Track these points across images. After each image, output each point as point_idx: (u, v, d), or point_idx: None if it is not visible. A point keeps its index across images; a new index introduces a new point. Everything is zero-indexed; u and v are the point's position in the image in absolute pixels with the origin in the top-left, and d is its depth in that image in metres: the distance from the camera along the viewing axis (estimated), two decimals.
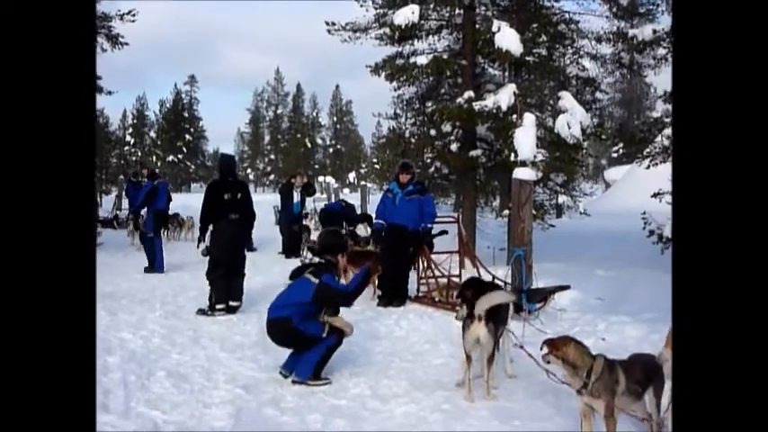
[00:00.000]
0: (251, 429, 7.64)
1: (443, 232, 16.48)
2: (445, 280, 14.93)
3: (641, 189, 26.19)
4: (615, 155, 56.57)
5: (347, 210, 23.64)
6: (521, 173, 14.83)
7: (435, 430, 7.63)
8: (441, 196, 24.90)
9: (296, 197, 24.14)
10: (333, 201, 31.67)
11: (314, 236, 22.36)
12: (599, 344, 10.73)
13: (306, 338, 9.26)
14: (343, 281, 11.26)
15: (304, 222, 23.61)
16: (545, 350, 6.61)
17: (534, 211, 19.37)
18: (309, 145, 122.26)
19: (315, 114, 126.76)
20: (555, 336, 7.08)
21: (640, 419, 6.89)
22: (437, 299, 14.59)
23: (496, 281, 14.05)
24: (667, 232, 21.58)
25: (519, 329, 11.59)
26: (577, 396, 6.56)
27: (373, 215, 15.87)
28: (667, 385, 6.75)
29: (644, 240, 21.97)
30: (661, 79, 24.15)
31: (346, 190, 72.66)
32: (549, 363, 6.66)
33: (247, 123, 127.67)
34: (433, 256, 15.55)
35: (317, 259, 9.95)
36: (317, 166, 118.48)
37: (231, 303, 13.66)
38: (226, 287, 13.64)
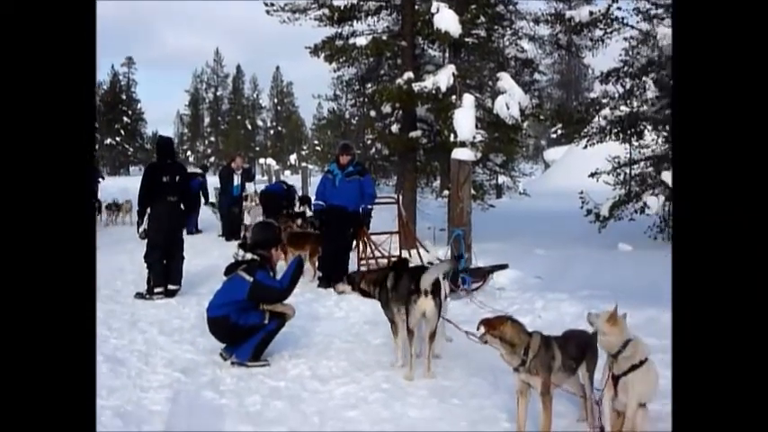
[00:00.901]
0: (189, 413, 7.61)
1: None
2: (385, 261, 14.97)
3: (580, 169, 26.48)
4: (554, 135, 57.09)
5: (288, 192, 23.54)
6: (459, 153, 14.91)
7: (375, 410, 7.66)
8: (381, 177, 24.94)
9: (236, 180, 23.99)
10: (274, 182, 31.47)
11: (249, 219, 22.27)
12: (536, 322, 10.87)
13: (247, 330, 9.24)
14: (282, 262, 11.28)
15: (244, 204, 23.41)
16: (482, 329, 6.67)
17: (474, 192, 19.52)
18: (250, 127, 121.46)
19: (255, 96, 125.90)
20: (492, 314, 7.15)
21: (580, 396, 7.00)
22: None
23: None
24: (604, 211, 21.88)
25: (458, 308, 11.74)
26: (514, 373, 6.64)
27: (313, 197, 15.85)
28: (601, 360, 6.86)
29: (582, 219, 22.27)
30: (598, 60, 24.40)
31: (287, 172, 72.26)
32: (486, 342, 6.72)
33: (187, 105, 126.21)
34: (373, 237, 15.58)
35: (249, 255, 9.87)
36: (257, 148, 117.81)
37: (170, 287, 13.56)
38: (164, 270, 13.53)
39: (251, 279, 9.28)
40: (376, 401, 7.89)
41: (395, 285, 9.25)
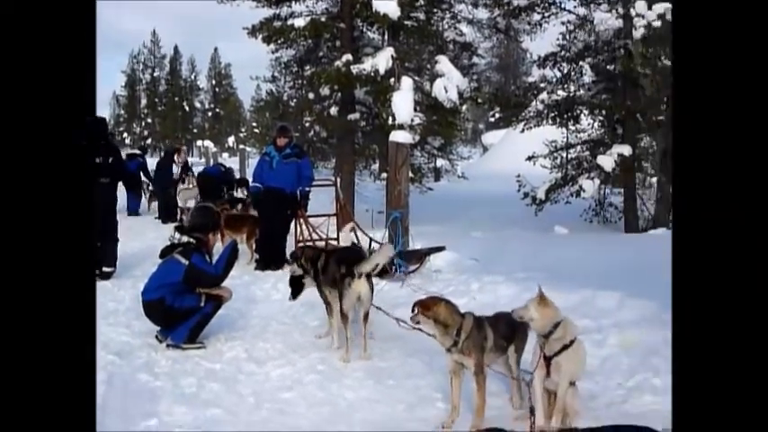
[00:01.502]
0: (124, 395, 7.55)
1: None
2: (323, 243, 14.96)
3: (517, 153, 26.74)
4: (492, 119, 57.38)
5: (226, 174, 23.35)
6: (398, 136, 14.93)
7: (311, 391, 7.68)
8: (320, 160, 24.89)
9: (174, 170, 23.73)
10: (211, 164, 31.19)
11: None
12: (471, 303, 10.95)
13: (183, 313, 9.17)
14: (219, 244, 11.19)
15: (180, 186, 23.12)
16: (415, 311, 6.71)
17: (412, 175, 19.58)
18: (187, 108, 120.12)
19: (193, 77, 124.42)
20: (426, 296, 7.20)
21: (511, 378, 7.08)
22: None
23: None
24: (540, 194, 22.13)
25: (394, 291, 11.80)
26: (447, 354, 6.69)
27: (251, 179, 15.76)
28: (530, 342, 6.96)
29: (518, 202, 22.48)
30: (536, 44, 24.73)
31: (225, 154, 71.78)
32: (419, 323, 6.76)
33: (123, 86, 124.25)
34: (311, 220, 15.55)
35: (185, 238, 9.80)
36: (195, 130, 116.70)
37: (104, 269, 13.40)
38: (98, 253, 13.36)
39: (186, 262, 9.21)
40: (312, 383, 7.91)
41: (325, 267, 9.31)
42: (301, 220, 15.30)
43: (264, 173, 14.63)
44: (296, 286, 9.99)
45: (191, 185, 22.80)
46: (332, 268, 9.23)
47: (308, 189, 14.83)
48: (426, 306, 6.65)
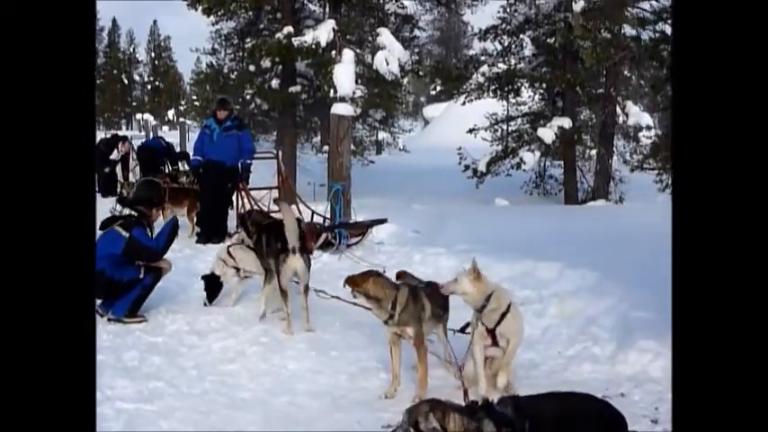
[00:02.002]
0: None
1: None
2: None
3: (458, 125, 26.85)
4: (433, 92, 57.31)
5: (167, 148, 23.02)
6: (339, 108, 14.91)
7: (254, 363, 7.67)
8: (261, 133, 24.73)
9: (115, 154, 23.23)
10: (152, 138, 30.71)
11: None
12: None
13: (123, 285, 9.06)
14: (161, 218, 11.10)
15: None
16: (348, 288, 6.72)
17: (353, 147, 19.58)
18: (126, 81, 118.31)
19: (132, 50, 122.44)
20: (370, 267, 7.22)
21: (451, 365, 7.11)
22: None
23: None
24: (481, 167, 22.26)
25: (335, 263, 11.84)
26: (384, 326, 6.73)
27: (191, 153, 15.60)
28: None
29: (460, 175, 22.59)
30: (477, 17, 24.77)
31: (165, 127, 70.99)
32: (356, 297, 6.79)
33: None
34: (252, 193, 15.45)
35: (127, 211, 9.69)
36: (134, 103, 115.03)
37: None
38: None
39: (126, 235, 9.10)
40: (255, 355, 7.91)
41: (269, 239, 9.30)
42: (243, 193, 15.19)
43: (205, 146, 14.47)
44: (213, 288, 9.86)
45: (131, 159, 22.49)
46: (275, 240, 9.21)
47: (249, 162, 14.72)
48: (356, 282, 6.65)
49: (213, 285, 9.80)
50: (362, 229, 13.87)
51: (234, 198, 15.16)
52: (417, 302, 6.70)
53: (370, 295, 6.61)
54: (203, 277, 9.90)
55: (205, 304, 9.73)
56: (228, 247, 10.12)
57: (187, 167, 19.42)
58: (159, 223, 10.04)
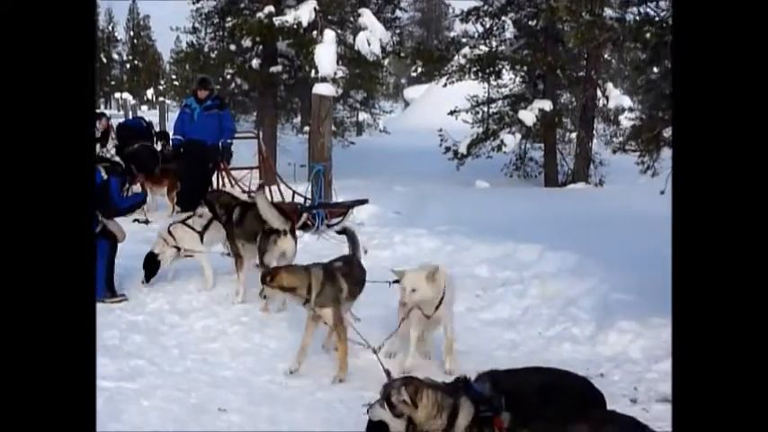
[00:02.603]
0: None
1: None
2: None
3: (439, 107, 26.83)
4: (414, 74, 57.28)
5: (147, 128, 22.84)
6: (320, 88, 14.88)
7: (235, 341, 7.68)
8: (241, 113, 24.62)
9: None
10: (131, 117, 30.46)
11: None
12: (395, 255, 11.07)
13: None
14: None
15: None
16: (261, 287, 6.71)
17: (334, 128, 19.54)
18: (105, 60, 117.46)
19: (110, 29, 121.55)
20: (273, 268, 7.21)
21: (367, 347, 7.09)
22: None
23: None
24: (462, 149, 22.28)
25: (312, 243, 11.85)
26: (304, 306, 6.76)
27: (171, 132, 15.52)
28: None
29: (440, 157, 22.61)
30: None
31: (144, 107, 70.55)
32: (266, 298, 6.77)
33: None
34: (233, 173, 15.41)
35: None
36: (113, 83, 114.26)
37: None
38: None
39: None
40: (236, 334, 7.92)
41: (241, 219, 9.28)
42: (223, 173, 15.14)
43: (185, 125, 14.40)
44: (151, 267, 9.72)
45: (110, 137, 22.29)
46: (251, 222, 9.19)
47: (229, 141, 14.67)
48: (270, 277, 6.63)
49: (151, 264, 9.69)
50: (343, 209, 13.85)
51: (214, 178, 15.09)
52: (334, 284, 6.73)
53: (286, 287, 6.60)
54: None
55: (142, 282, 9.59)
56: (169, 226, 10.00)
57: (165, 147, 19.32)
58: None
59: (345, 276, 6.87)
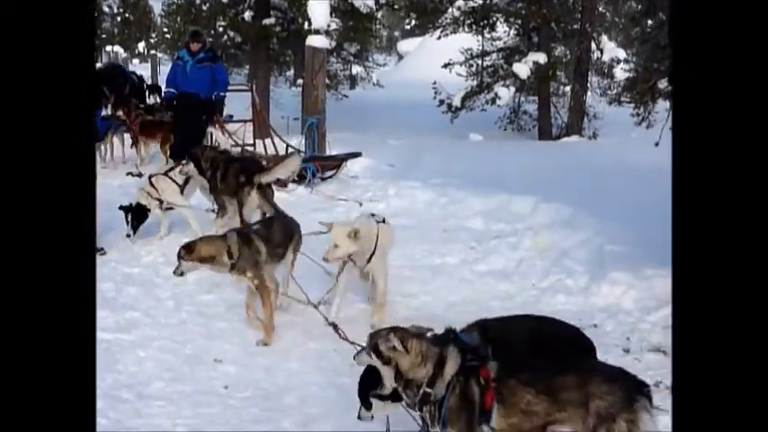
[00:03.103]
0: None
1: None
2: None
3: (433, 60, 26.69)
4: (408, 27, 56.92)
5: (139, 81, 22.71)
6: (314, 40, 14.79)
7: (230, 294, 7.69)
8: (233, 66, 24.50)
9: None
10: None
11: None
12: (389, 208, 11.08)
13: None
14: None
15: None
16: (178, 263, 6.61)
17: (328, 81, 19.44)
18: (95, 13, 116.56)
19: None
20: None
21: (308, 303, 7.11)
22: None
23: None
24: (456, 102, 22.20)
25: (305, 196, 11.88)
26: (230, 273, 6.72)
27: (163, 86, 15.40)
28: None
29: (434, 110, 22.54)
30: None
31: (136, 60, 70.00)
32: (182, 275, 6.69)
33: None
34: (227, 126, 15.34)
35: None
36: (104, 36, 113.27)
37: None
38: None
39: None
40: (230, 286, 7.91)
41: (225, 174, 9.33)
42: (217, 126, 15.06)
43: (178, 78, 14.23)
44: (139, 217, 9.66)
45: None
46: (234, 178, 9.26)
47: (222, 94, 14.57)
48: (188, 250, 6.52)
49: (139, 215, 9.63)
50: (337, 162, 13.84)
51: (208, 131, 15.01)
52: (251, 247, 6.68)
53: (204, 256, 6.51)
54: (122, 207, 9.59)
55: (128, 236, 9.54)
56: (150, 177, 9.96)
57: (158, 101, 19.24)
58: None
59: (264, 239, 6.83)
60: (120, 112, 15.95)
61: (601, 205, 10.38)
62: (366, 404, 4.35)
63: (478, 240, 9.71)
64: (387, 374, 4.06)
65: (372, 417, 4.37)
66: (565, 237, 9.36)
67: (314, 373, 5.98)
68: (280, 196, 12.15)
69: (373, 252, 6.85)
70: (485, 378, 3.86)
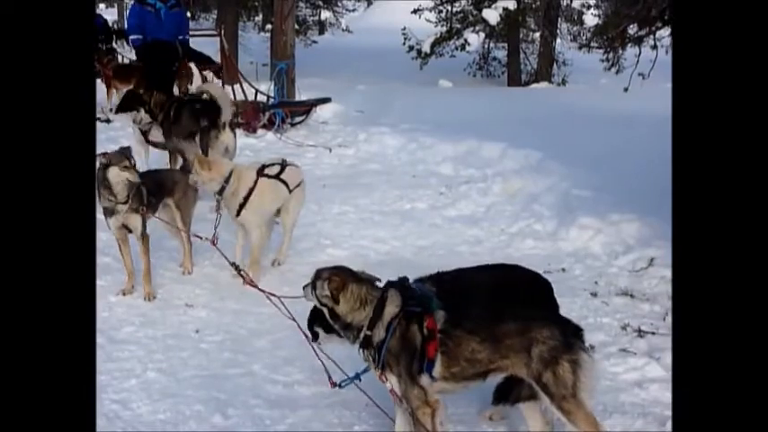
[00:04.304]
0: None
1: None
2: None
3: (402, 6, 26.49)
4: None
5: (104, 25, 22.29)
6: None
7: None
8: (202, 12, 24.24)
9: None
10: None
11: None
12: (359, 153, 11.11)
13: None
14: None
15: None
16: None
17: (297, 26, 19.28)
18: None
19: None
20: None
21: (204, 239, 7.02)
22: None
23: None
24: (425, 48, 22.11)
25: (276, 143, 11.86)
26: (108, 220, 6.54)
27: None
28: None
29: (403, 56, 22.44)
30: None
31: (102, 5, 68.87)
32: None
33: None
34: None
35: None
36: None
37: None
38: None
39: None
40: (199, 231, 7.89)
41: (177, 117, 9.28)
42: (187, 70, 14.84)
43: (149, 24, 13.82)
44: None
45: None
46: (187, 120, 9.23)
47: (187, 38, 14.38)
48: None
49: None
50: (306, 107, 13.79)
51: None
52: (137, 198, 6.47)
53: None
54: None
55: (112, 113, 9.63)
56: None
57: (124, 46, 18.94)
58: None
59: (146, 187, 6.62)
60: None
61: (569, 151, 10.43)
62: (312, 334, 4.41)
63: (448, 186, 9.76)
64: (325, 314, 4.08)
65: (320, 344, 4.40)
66: (533, 182, 9.42)
67: (285, 317, 6.00)
68: (248, 141, 12.21)
69: (243, 203, 6.70)
70: (430, 328, 3.88)
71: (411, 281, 4.25)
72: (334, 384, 4.29)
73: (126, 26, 14.80)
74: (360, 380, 4.23)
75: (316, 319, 4.38)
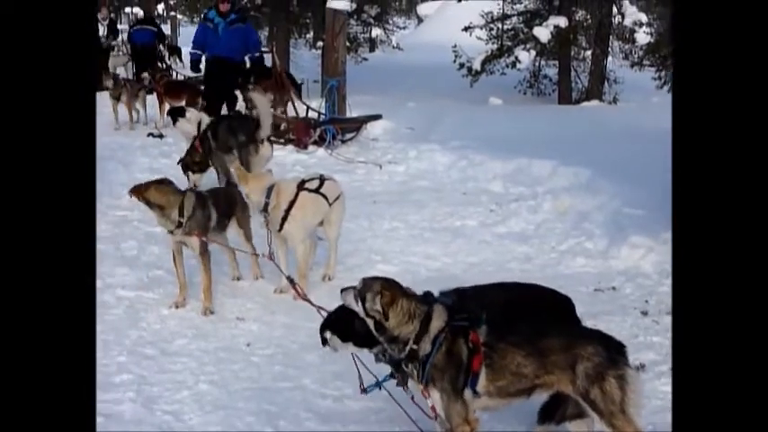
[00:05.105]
0: None
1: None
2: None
3: (453, 24, 26.50)
4: None
5: (112, 24, 22.37)
6: (334, 3, 14.75)
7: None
8: (254, 28, 24.45)
9: (101, 31, 22.58)
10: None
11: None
12: (409, 170, 11.15)
13: None
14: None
15: (111, 54, 22.07)
16: (132, 197, 6.54)
17: (348, 44, 19.39)
18: None
19: None
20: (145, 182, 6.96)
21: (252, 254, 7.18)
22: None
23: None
24: (476, 65, 22.09)
25: (327, 159, 11.95)
26: (168, 235, 6.62)
27: (183, 48, 15.35)
28: None
29: (454, 73, 22.44)
30: None
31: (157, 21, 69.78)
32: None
33: None
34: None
35: None
36: None
37: None
38: None
39: None
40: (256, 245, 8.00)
41: (215, 135, 9.80)
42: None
43: (209, 40, 14.05)
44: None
45: (121, 53, 22.14)
46: (224, 136, 9.75)
47: (258, 54, 14.60)
48: (138, 192, 6.43)
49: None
50: (357, 124, 13.88)
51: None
52: (205, 210, 6.62)
53: (153, 202, 6.40)
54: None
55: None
56: None
57: (177, 62, 19.18)
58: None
59: (215, 205, 6.78)
60: (145, 74, 16.04)
61: (620, 169, 10.37)
62: (322, 338, 4.40)
63: (498, 203, 9.78)
64: (369, 324, 4.09)
65: (336, 349, 4.38)
66: (584, 200, 9.39)
67: None
68: (299, 158, 12.34)
69: (285, 216, 6.76)
70: (474, 342, 3.90)
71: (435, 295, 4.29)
72: (363, 390, 4.36)
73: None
74: (380, 388, 4.36)
75: (331, 322, 4.41)
